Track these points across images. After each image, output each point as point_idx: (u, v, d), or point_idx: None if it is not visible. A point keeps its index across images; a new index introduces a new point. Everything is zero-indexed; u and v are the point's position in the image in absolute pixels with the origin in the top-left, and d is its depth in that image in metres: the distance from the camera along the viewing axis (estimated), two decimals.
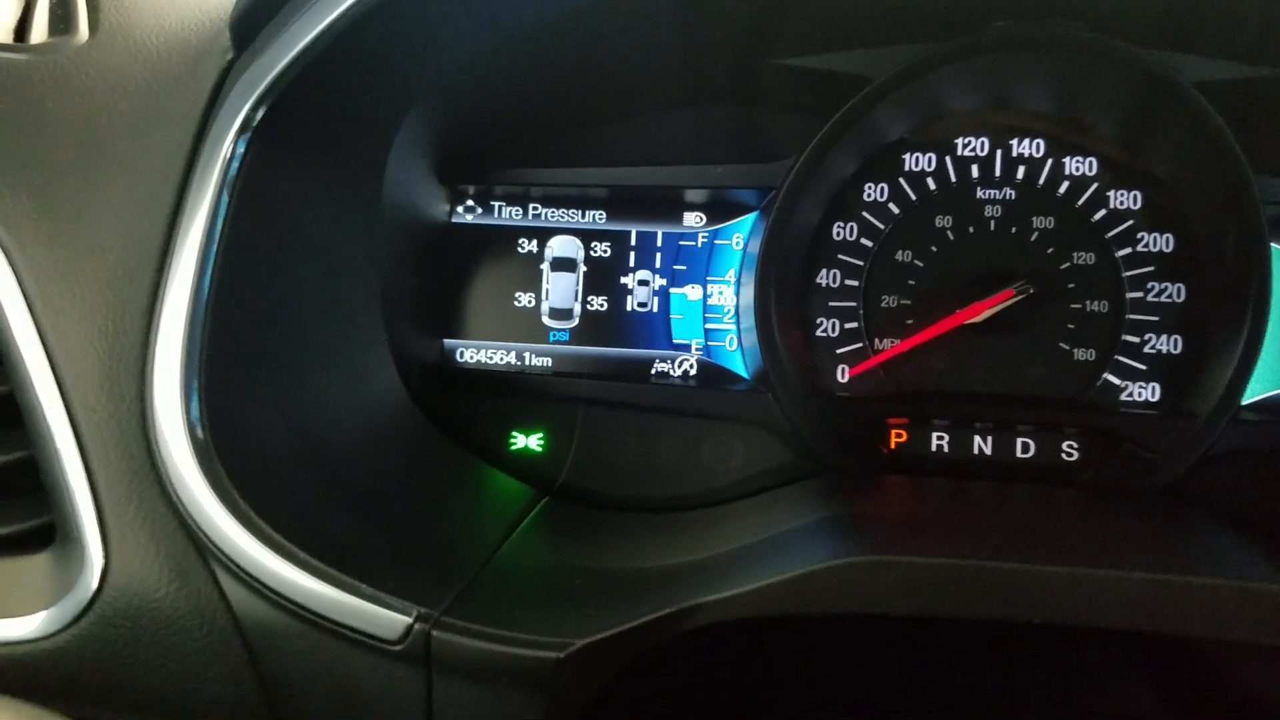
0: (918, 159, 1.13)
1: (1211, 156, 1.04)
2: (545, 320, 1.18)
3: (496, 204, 1.19)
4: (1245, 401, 1.06)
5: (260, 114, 0.86)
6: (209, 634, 0.81)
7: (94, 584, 0.81)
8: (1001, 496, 1.03)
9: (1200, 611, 0.74)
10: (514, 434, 1.16)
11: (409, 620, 0.75)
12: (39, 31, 0.94)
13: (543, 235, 1.18)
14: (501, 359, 1.18)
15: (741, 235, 1.15)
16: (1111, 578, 0.75)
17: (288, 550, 0.78)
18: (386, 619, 0.76)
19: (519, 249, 1.18)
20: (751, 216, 1.15)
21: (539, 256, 1.18)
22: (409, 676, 0.76)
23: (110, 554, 0.81)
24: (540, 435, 1.16)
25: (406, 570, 0.83)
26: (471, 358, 1.19)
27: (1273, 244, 1.03)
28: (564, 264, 1.18)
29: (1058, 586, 0.75)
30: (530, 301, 1.18)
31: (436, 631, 0.75)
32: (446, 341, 1.19)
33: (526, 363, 1.18)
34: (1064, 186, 1.11)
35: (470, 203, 1.19)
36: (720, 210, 1.16)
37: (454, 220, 1.19)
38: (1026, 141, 1.12)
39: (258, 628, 0.80)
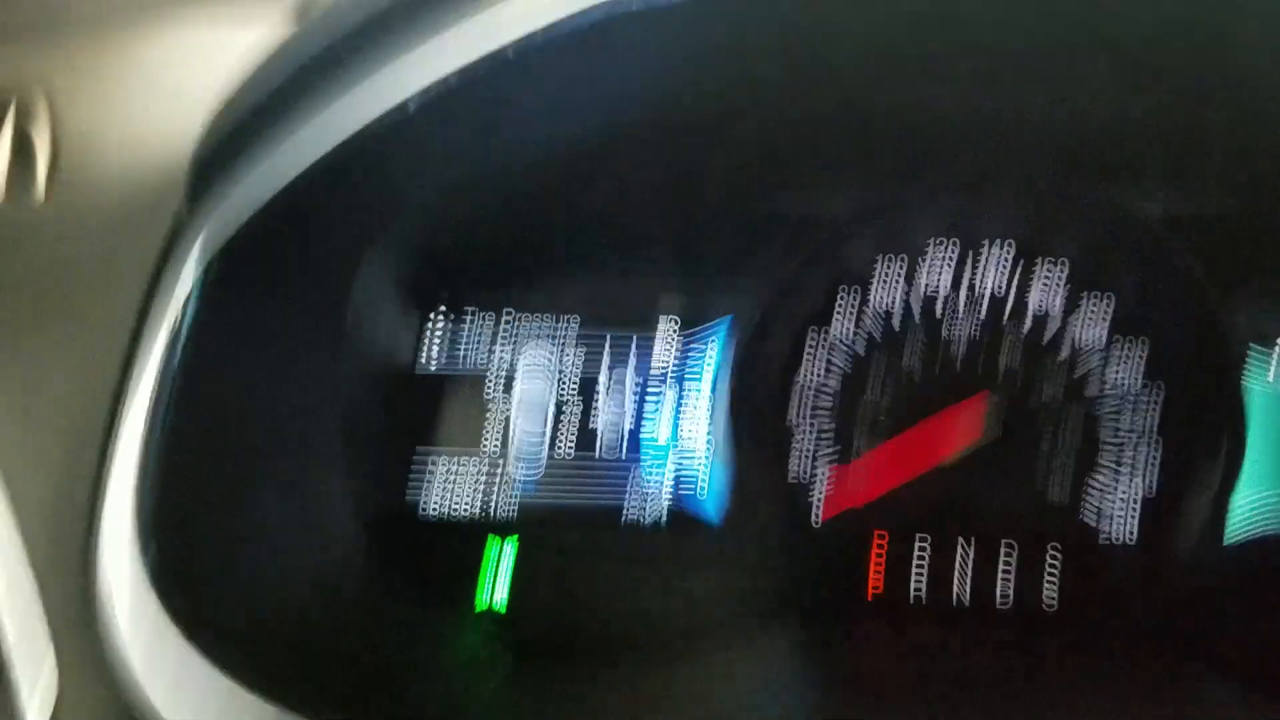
0: (881, 298, 1.13)
1: (1178, 293, 1.05)
2: (511, 470, 1.16)
3: (461, 339, 1.17)
4: (1227, 539, 1.04)
5: (213, 269, 0.85)
6: None
7: None
8: (980, 643, 1.01)
9: None
10: (479, 587, 1.12)
11: None
12: None
13: (509, 383, 1.17)
14: (466, 510, 1.15)
15: (710, 377, 1.14)
16: None
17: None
18: None
19: (485, 397, 1.17)
20: (718, 358, 1.14)
21: (505, 405, 1.17)
22: None
23: (55, 702, 0.78)
24: (506, 588, 1.12)
25: None
26: (434, 509, 1.16)
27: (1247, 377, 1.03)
28: (531, 412, 1.16)
29: None
30: (496, 450, 1.16)
31: None
32: (409, 491, 1.15)
33: (492, 514, 1.15)
34: (1029, 325, 1.11)
35: (435, 344, 1.17)
36: (687, 345, 1.15)
37: (418, 370, 1.17)
38: (991, 279, 1.12)
39: None
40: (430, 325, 1.18)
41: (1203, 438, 1.05)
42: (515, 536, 1.13)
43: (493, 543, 1.13)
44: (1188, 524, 1.04)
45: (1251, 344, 1.05)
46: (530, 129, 0.98)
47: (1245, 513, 1.05)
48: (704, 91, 0.96)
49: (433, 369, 1.17)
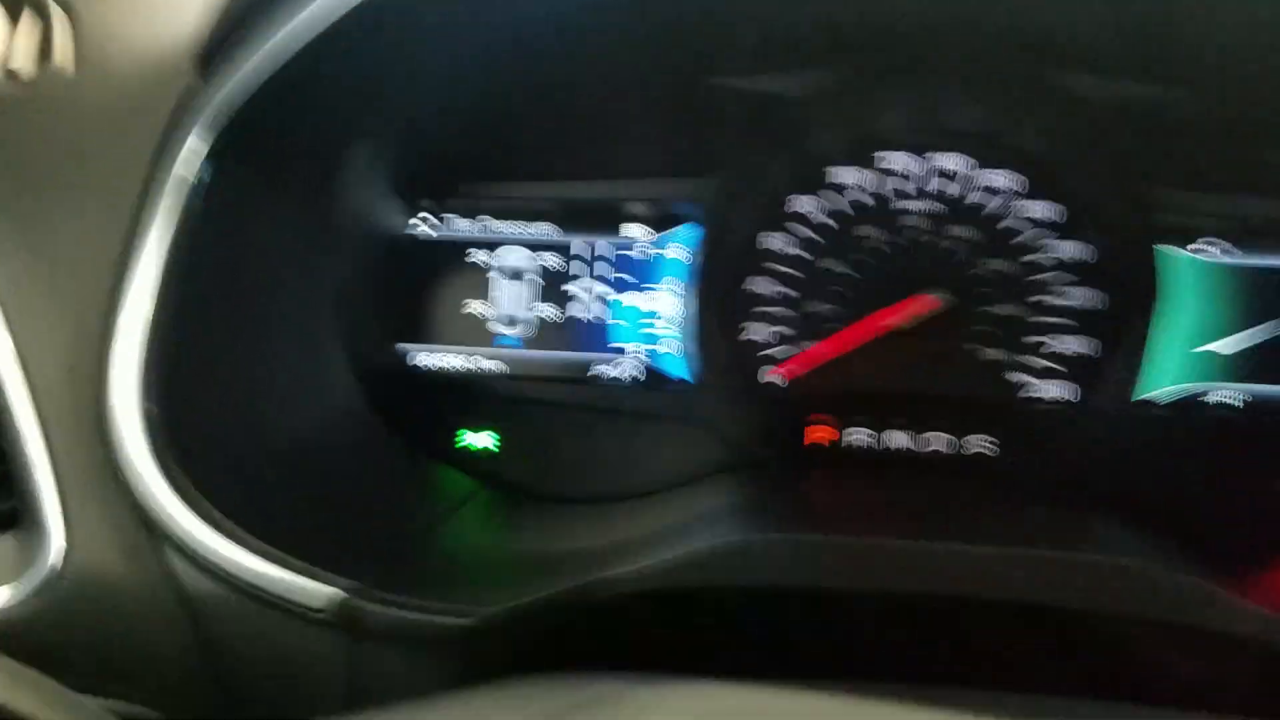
0: (845, 174, 1.20)
1: (1114, 174, 1.11)
2: (496, 326, 1.25)
3: (450, 216, 1.26)
4: (1150, 398, 1.13)
5: (219, 140, 0.93)
6: (158, 609, 0.88)
7: (55, 564, 0.88)
8: (914, 489, 1.10)
9: (1066, 584, 0.80)
10: (462, 432, 1.23)
11: (336, 591, 0.82)
12: (20, 59, 1.00)
13: (494, 246, 1.25)
14: (454, 364, 1.25)
15: (681, 246, 1.22)
16: (986, 552, 0.81)
17: (228, 529, 0.85)
18: (316, 590, 0.83)
19: (472, 260, 1.26)
20: (690, 228, 1.22)
21: (490, 267, 1.25)
22: (335, 643, 0.83)
23: (71, 536, 0.89)
24: (488, 434, 1.23)
25: (341, 548, 0.90)
26: (425, 362, 1.25)
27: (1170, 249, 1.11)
28: (514, 274, 1.25)
29: (935, 562, 0.82)
30: (482, 309, 1.25)
31: (361, 601, 0.82)
32: (400, 346, 1.25)
33: (478, 367, 1.25)
34: (984, 200, 1.17)
35: (426, 215, 1.26)
36: (661, 222, 1.23)
37: (409, 233, 1.26)
38: (950, 158, 1.19)
39: (203, 601, 0.87)
40: (421, 199, 1.26)
41: (1129, 306, 1.13)
42: (498, 387, 1.24)
43: (477, 392, 1.23)
44: (1113, 383, 1.13)
45: (1177, 219, 1.12)
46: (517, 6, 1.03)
47: (1165, 374, 1.13)
48: None
49: (421, 236, 1.26)
